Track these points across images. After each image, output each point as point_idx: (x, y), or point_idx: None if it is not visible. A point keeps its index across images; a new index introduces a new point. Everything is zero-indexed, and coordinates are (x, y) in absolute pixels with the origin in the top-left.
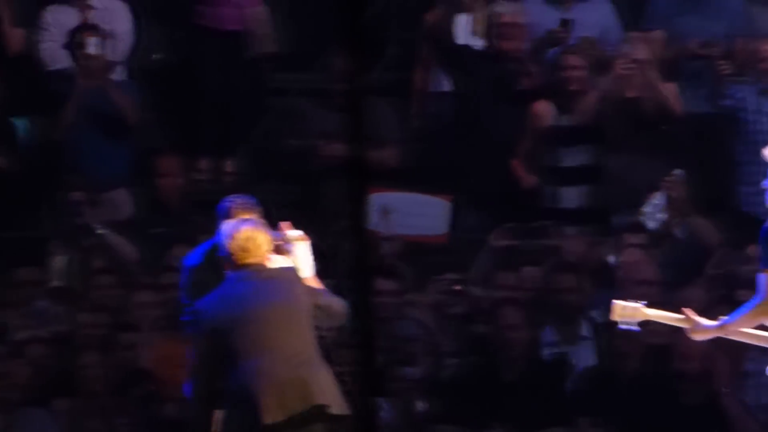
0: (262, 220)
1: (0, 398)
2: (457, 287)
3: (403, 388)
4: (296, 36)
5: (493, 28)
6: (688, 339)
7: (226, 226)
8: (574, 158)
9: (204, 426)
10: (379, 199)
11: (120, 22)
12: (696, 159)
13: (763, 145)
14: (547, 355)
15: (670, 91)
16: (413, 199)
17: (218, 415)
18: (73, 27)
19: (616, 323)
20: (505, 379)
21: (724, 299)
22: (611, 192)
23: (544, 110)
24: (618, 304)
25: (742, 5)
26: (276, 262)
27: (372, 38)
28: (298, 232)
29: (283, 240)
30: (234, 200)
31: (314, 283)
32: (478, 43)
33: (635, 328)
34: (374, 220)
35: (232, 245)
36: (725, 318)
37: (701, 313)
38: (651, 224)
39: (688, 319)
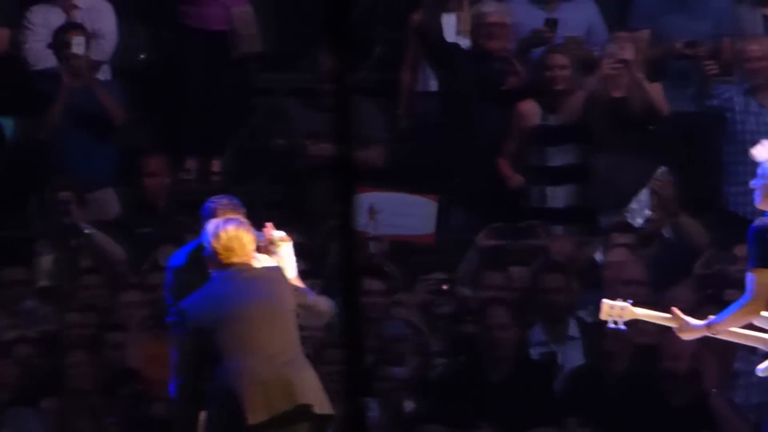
0: (247, 220)
1: None
2: (445, 287)
3: (391, 387)
4: (282, 35)
5: (478, 28)
6: (677, 339)
7: (211, 225)
8: (560, 158)
9: (189, 425)
10: (366, 199)
11: (105, 21)
12: (682, 159)
13: (750, 144)
14: (535, 354)
15: (656, 90)
16: (400, 199)
17: (202, 414)
18: (58, 27)
19: (604, 322)
20: (492, 379)
21: (711, 299)
22: (598, 192)
23: (530, 110)
24: (606, 303)
25: (728, 5)
26: (261, 261)
27: (358, 38)
28: (282, 233)
29: (266, 241)
30: (218, 201)
31: (298, 283)
32: (463, 42)
33: (623, 327)
34: (361, 220)
35: (216, 245)
36: (713, 317)
37: (689, 313)
38: (637, 221)
39: (676, 318)
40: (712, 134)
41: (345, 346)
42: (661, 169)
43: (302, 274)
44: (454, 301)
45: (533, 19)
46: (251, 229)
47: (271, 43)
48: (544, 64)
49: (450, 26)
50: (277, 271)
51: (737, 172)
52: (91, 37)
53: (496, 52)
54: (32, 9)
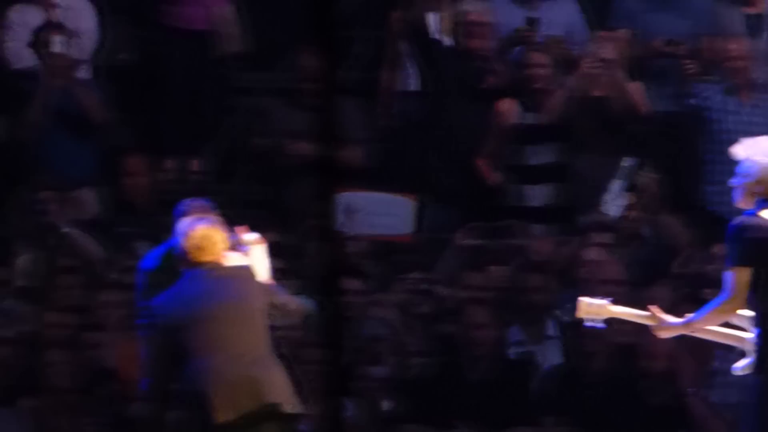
0: (219, 219)
1: None
2: (424, 286)
3: (370, 387)
4: (263, 35)
5: (459, 27)
6: (654, 338)
7: (182, 224)
8: (539, 157)
9: (159, 425)
10: (344, 199)
11: (85, 20)
12: (662, 158)
13: (729, 144)
14: (513, 354)
15: (636, 90)
16: (378, 199)
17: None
18: (38, 26)
19: (582, 321)
20: (471, 379)
21: (689, 298)
22: (577, 191)
23: (509, 108)
24: (584, 301)
25: (708, 4)
26: (232, 260)
27: (339, 37)
28: (255, 235)
29: (239, 243)
30: (191, 203)
31: (270, 282)
32: (445, 41)
33: (601, 325)
34: (340, 220)
35: (187, 244)
36: (691, 315)
37: (667, 312)
38: (612, 211)
39: (653, 317)
40: (691, 133)
41: (323, 346)
42: (629, 161)
43: (281, 273)
44: (432, 300)
45: (514, 18)
46: (222, 228)
47: (251, 42)
48: (523, 62)
49: (431, 25)
50: (247, 269)
51: (716, 171)
52: (70, 36)
53: (476, 50)
54: (12, 8)
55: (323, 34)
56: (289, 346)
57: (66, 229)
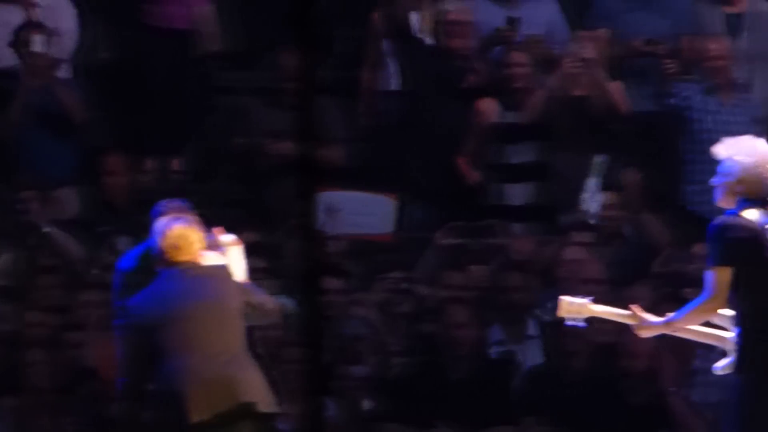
0: (196, 219)
1: None
2: (404, 286)
3: (350, 386)
4: (243, 34)
5: (440, 26)
6: (635, 338)
7: (159, 224)
8: (520, 156)
9: (135, 425)
10: (325, 198)
11: (65, 19)
12: (642, 157)
13: (709, 143)
14: (493, 353)
15: (616, 89)
16: (359, 198)
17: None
18: (18, 25)
19: (563, 320)
20: (451, 378)
21: (670, 297)
22: (557, 190)
23: (489, 107)
24: (565, 300)
25: (688, 3)
26: (209, 259)
27: (320, 36)
28: (231, 236)
29: (216, 244)
30: (168, 204)
31: (246, 282)
32: (425, 40)
33: (582, 324)
34: (320, 219)
35: (163, 243)
36: (672, 315)
37: (648, 311)
38: (593, 208)
39: (634, 316)
40: (671, 133)
41: (304, 345)
42: (600, 158)
43: (262, 272)
44: (412, 299)
45: (494, 17)
46: (199, 228)
47: (232, 41)
48: (504, 62)
49: (412, 24)
50: (224, 269)
51: (696, 170)
52: (51, 35)
53: (457, 50)
54: None
55: (304, 33)
56: (269, 346)
57: (47, 229)
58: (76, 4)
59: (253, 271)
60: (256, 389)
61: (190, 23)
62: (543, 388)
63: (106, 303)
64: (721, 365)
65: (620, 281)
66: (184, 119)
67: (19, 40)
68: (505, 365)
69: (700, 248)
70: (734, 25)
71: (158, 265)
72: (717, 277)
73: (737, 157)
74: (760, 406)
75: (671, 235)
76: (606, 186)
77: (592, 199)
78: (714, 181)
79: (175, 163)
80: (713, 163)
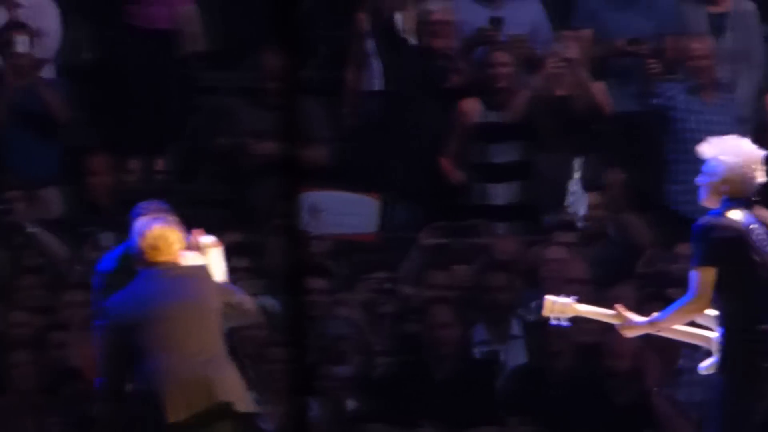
0: (175, 220)
1: None
2: (388, 286)
3: (334, 386)
4: (226, 34)
5: (423, 26)
6: (619, 337)
7: (137, 224)
8: (502, 155)
9: (113, 425)
10: (308, 198)
11: (48, 19)
12: (625, 157)
13: (693, 143)
14: (477, 353)
15: (599, 89)
16: (342, 198)
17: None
18: (1, 25)
19: (547, 319)
20: (435, 378)
21: (654, 297)
22: (541, 190)
23: (472, 107)
24: (549, 299)
25: (671, 3)
26: (189, 259)
27: (303, 36)
28: (211, 238)
29: (195, 246)
30: (147, 206)
31: (225, 282)
32: (409, 40)
33: (566, 323)
34: (304, 219)
35: (142, 243)
36: (656, 315)
37: (632, 311)
38: (580, 211)
39: (619, 315)
40: (654, 133)
41: (287, 345)
42: (581, 159)
43: (245, 272)
44: (396, 299)
45: (477, 17)
46: (178, 228)
47: (215, 42)
48: (486, 61)
49: (395, 24)
50: (203, 269)
51: (680, 170)
52: (34, 35)
53: (440, 50)
54: None
55: (286, 33)
56: (253, 346)
57: (31, 229)
58: (59, 5)
59: (236, 270)
60: (233, 390)
61: (173, 23)
62: (527, 388)
63: (90, 303)
64: (706, 365)
65: (604, 281)
66: (168, 119)
67: (2, 40)
68: (489, 365)
69: (683, 248)
70: (718, 24)
71: (137, 266)
72: (701, 278)
73: (722, 157)
74: (742, 406)
75: (655, 235)
76: (589, 186)
77: (578, 201)
78: (699, 180)
79: (159, 163)
80: (697, 163)
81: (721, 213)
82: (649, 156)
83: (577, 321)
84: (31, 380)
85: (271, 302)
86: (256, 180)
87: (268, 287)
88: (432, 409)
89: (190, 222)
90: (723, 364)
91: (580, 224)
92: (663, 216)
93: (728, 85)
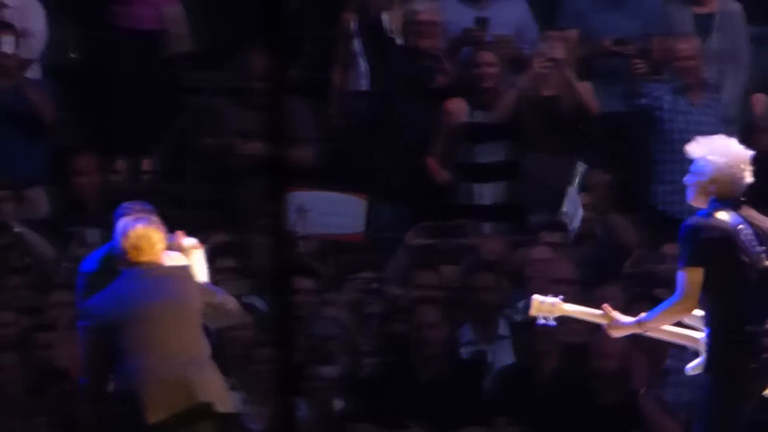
0: (158, 220)
1: None
2: (375, 286)
3: (321, 386)
4: (213, 35)
5: (409, 26)
6: (606, 338)
7: (120, 224)
8: (489, 155)
9: (95, 425)
10: (296, 198)
11: (34, 20)
12: (612, 158)
13: (679, 143)
14: (464, 354)
15: (586, 90)
16: (329, 198)
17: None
18: None
19: (534, 319)
20: (422, 378)
21: (641, 298)
22: (527, 190)
23: (458, 107)
24: (536, 299)
25: (657, 3)
26: (171, 260)
27: (289, 36)
28: (193, 240)
29: (177, 248)
30: (131, 207)
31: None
32: (395, 40)
33: (552, 323)
34: (291, 220)
35: (125, 243)
36: (644, 315)
37: (619, 312)
38: (574, 225)
39: (606, 315)
40: (641, 133)
41: (274, 345)
42: (583, 167)
43: (232, 272)
44: (383, 300)
45: (463, 17)
46: (161, 228)
47: (201, 42)
48: (472, 61)
49: (382, 24)
50: (185, 270)
51: (666, 170)
52: (20, 35)
53: (426, 50)
54: None
55: (273, 33)
56: (240, 346)
57: (17, 229)
58: (45, 5)
59: (223, 270)
60: (214, 390)
61: (159, 24)
62: (514, 388)
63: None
64: (692, 365)
65: (591, 281)
66: (154, 119)
67: None
68: (476, 365)
69: (670, 248)
70: (704, 25)
71: (120, 266)
72: (688, 278)
73: (710, 157)
74: (729, 407)
75: (642, 235)
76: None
77: (575, 212)
78: (687, 180)
79: (145, 163)
80: (683, 163)
81: (709, 213)
82: (635, 156)
83: (564, 321)
84: (17, 381)
85: (256, 303)
86: (242, 180)
87: (254, 287)
88: (419, 410)
89: (177, 222)
90: (710, 365)
91: (572, 230)
92: (650, 216)
93: (715, 85)
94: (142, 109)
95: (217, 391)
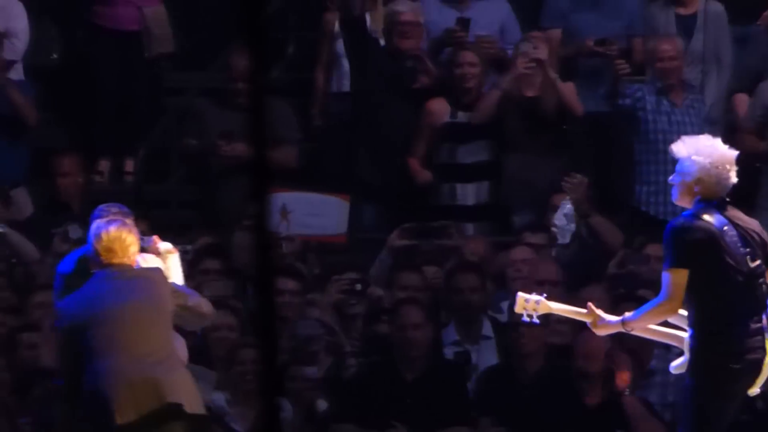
0: (132, 222)
1: None
2: (358, 287)
3: (305, 387)
4: (194, 35)
5: (391, 27)
6: (590, 338)
7: (93, 226)
8: (470, 155)
9: (69, 425)
10: (278, 199)
11: (17, 20)
12: (594, 158)
13: (662, 144)
14: (448, 354)
15: (569, 90)
16: (311, 199)
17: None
18: None
19: (518, 319)
20: (406, 379)
21: (625, 299)
22: (510, 190)
23: (439, 107)
24: (521, 296)
25: (640, 4)
26: (146, 262)
27: (272, 38)
28: (168, 245)
29: (153, 251)
30: (108, 209)
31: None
32: (377, 41)
33: (537, 321)
34: (274, 220)
35: (98, 246)
36: (628, 314)
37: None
38: (565, 239)
39: (591, 314)
40: (623, 133)
41: (258, 346)
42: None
43: (214, 273)
44: (367, 300)
45: (445, 18)
46: (135, 230)
47: (183, 43)
48: (453, 62)
49: (364, 25)
50: (157, 272)
51: (649, 171)
52: (2, 36)
53: (408, 50)
54: None
55: (254, 34)
56: (224, 347)
57: (1, 230)
58: (27, 6)
59: (206, 271)
60: (184, 392)
61: (140, 24)
62: (498, 388)
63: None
64: (676, 364)
65: (575, 283)
66: (136, 120)
67: None
68: (460, 366)
69: (653, 249)
70: (687, 26)
71: (93, 267)
72: (673, 279)
73: (695, 157)
74: (712, 407)
75: (624, 236)
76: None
77: (567, 226)
78: (672, 179)
79: (128, 164)
80: (666, 163)
81: (693, 214)
82: (617, 157)
83: (549, 322)
84: (2, 381)
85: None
86: (224, 181)
87: (237, 288)
88: (403, 410)
89: (159, 223)
90: (693, 365)
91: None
92: (632, 217)
93: (697, 86)
94: (125, 110)
95: (187, 393)
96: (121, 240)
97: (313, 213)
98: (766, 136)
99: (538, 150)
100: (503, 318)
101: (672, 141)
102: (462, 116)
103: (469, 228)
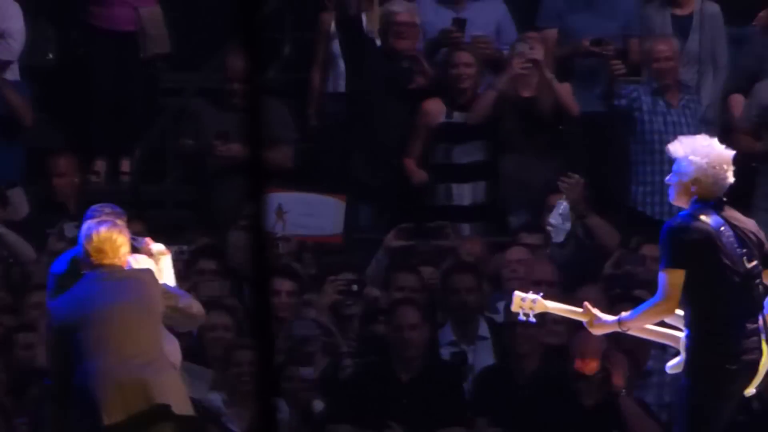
0: (123, 223)
1: None
2: (355, 287)
3: (301, 388)
4: (190, 36)
5: (387, 28)
6: (587, 339)
7: (84, 227)
8: (466, 156)
9: (58, 426)
10: (274, 199)
11: (13, 21)
12: (590, 159)
13: (658, 144)
14: (445, 354)
15: (565, 90)
16: (308, 199)
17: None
18: None
19: (515, 319)
20: (402, 379)
21: (621, 299)
22: (506, 191)
23: (435, 108)
24: (518, 295)
25: (636, 4)
26: (139, 263)
27: (267, 38)
28: (161, 246)
29: (145, 253)
30: (101, 209)
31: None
32: (373, 41)
33: (533, 320)
34: (270, 221)
35: (88, 246)
36: (625, 314)
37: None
38: (560, 238)
39: (587, 313)
40: (619, 134)
41: (254, 347)
42: (575, 176)
43: (211, 273)
44: (363, 301)
45: (441, 18)
46: (126, 231)
47: (179, 43)
48: (449, 62)
49: (360, 25)
50: (148, 273)
51: (645, 171)
52: None
53: (404, 51)
54: None
55: (250, 34)
56: (220, 348)
57: None
58: (23, 6)
59: (202, 272)
60: (172, 393)
61: (136, 25)
62: (494, 388)
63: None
64: (672, 364)
65: (571, 283)
66: (132, 121)
67: None
68: (457, 366)
69: (648, 250)
70: (683, 26)
71: (83, 268)
72: (669, 280)
73: (693, 157)
74: (708, 407)
75: (621, 236)
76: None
77: (562, 225)
78: (669, 180)
79: (124, 164)
80: (662, 164)
81: (690, 214)
82: (613, 157)
83: (545, 322)
84: None
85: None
86: (221, 181)
87: (234, 288)
88: (399, 410)
89: (155, 223)
90: (689, 366)
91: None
92: (628, 217)
93: (693, 86)
94: (121, 110)
95: (176, 394)
96: (112, 241)
97: (309, 213)
98: (762, 137)
99: (534, 150)
100: (499, 318)
101: (668, 141)
102: (458, 116)
103: (466, 228)
